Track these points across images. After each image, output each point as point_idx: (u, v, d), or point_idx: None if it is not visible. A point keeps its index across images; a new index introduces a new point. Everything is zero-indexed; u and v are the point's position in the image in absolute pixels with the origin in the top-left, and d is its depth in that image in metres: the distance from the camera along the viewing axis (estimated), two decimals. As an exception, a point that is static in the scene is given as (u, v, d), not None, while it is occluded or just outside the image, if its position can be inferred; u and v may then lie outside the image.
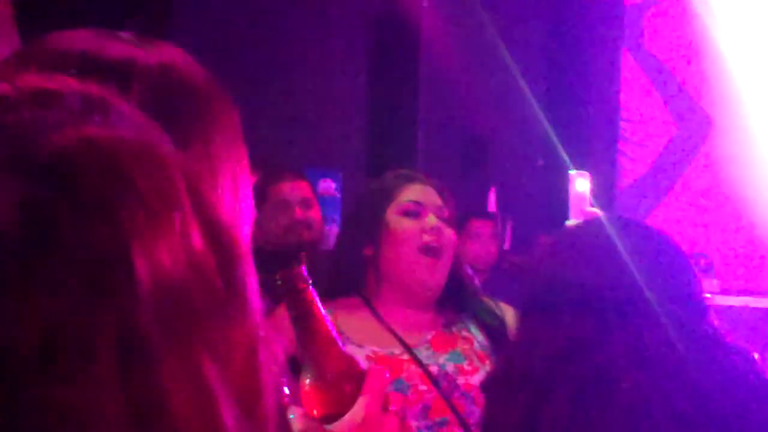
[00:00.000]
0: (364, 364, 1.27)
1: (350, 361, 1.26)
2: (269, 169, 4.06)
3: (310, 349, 1.27)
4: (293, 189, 3.81)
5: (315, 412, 1.24)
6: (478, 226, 5.04)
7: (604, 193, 4.64)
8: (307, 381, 1.27)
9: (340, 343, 1.28)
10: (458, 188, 5.29)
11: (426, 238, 2.52)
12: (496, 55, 5.27)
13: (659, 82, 4.70)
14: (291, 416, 1.25)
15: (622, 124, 4.72)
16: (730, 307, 4.23)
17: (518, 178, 6.07)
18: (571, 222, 2.44)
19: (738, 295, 4.31)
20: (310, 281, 1.28)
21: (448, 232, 2.56)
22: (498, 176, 6.13)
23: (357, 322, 2.53)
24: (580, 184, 2.43)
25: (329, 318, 1.29)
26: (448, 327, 2.57)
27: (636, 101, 4.73)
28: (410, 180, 2.62)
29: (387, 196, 2.58)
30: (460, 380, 2.46)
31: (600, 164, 4.67)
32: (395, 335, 2.51)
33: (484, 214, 5.38)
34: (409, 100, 6.15)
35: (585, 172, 2.43)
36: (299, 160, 5.49)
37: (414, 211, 2.56)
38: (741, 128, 4.57)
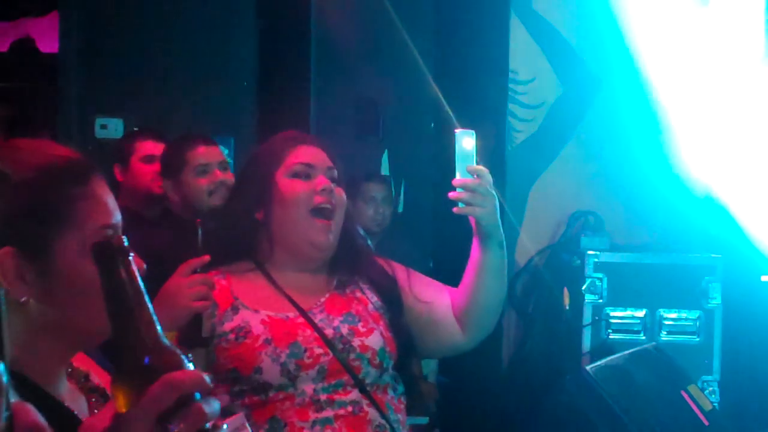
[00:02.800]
0: (187, 364, 1.08)
1: (173, 354, 1.08)
2: (181, 136, 4.16)
3: (126, 334, 1.08)
4: (210, 152, 3.92)
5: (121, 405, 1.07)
6: (372, 188, 5.04)
7: (496, 153, 4.68)
8: (117, 371, 1.09)
9: (160, 332, 1.09)
10: (352, 152, 5.29)
11: (317, 199, 2.50)
12: (386, 19, 5.26)
13: (547, 42, 4.75)
14: None
15: (511, 85, 4.76)
16: (619, 263, 4.34)
17: (411, 141, 6.08)
18: (457, 179, 2.42)
19: (626, 252, 4.42)
20: (131, 253, 1.10)
21: (339, 193, 2.55)
22: (391, 140, 6.14)
23: (251, 286, 2.51)
24: (466, 141, 2.42)
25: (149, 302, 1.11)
26: (342, 289, 2.56)
27: (524, 62, 4.77)
28: (299, 141, 2.59)
29: (276, 158, 2.55)
30: (356, 342, 2.45)
31: (490, 125, 4.71)
32: (289, 299, 2.49)
33: (377, 176, 5.38)
34: (300, 65, 6.10)
35: (471, 130, 2.42)
36: (190, 126, 5.41)
37: (304, 173, 2.53)
38: (631, 87, 4.65)
